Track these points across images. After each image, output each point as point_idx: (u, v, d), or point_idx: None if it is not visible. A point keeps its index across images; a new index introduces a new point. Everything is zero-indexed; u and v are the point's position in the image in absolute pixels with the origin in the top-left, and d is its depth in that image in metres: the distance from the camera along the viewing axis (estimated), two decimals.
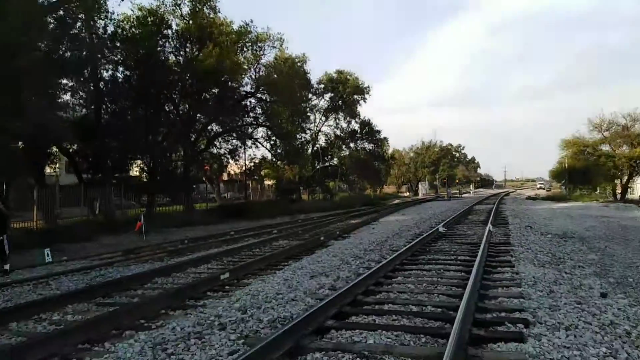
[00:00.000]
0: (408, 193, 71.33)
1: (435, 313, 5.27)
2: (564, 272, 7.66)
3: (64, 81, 19.30)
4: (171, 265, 9.47)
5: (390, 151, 58.47)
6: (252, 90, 28.56)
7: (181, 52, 25.20)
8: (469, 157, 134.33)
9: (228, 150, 31.52)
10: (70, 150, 23.77)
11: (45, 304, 6.27)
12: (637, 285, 7.00)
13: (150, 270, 8.91)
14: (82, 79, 20.63)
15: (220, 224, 21.73)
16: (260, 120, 30.64)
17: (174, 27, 24.48)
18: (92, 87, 21.80)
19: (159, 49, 23.74)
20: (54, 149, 22.91)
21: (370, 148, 47.91)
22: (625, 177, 45.44)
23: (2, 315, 5.72)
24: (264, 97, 29.09)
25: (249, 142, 32.18)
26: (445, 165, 80.00)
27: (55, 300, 6.46)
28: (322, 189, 47.53)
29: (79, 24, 18.81)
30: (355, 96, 43.99)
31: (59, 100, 18.89)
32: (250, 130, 31.90)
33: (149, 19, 23.10)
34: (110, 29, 21.55)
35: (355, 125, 46.59)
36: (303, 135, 40.32)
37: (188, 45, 25.04)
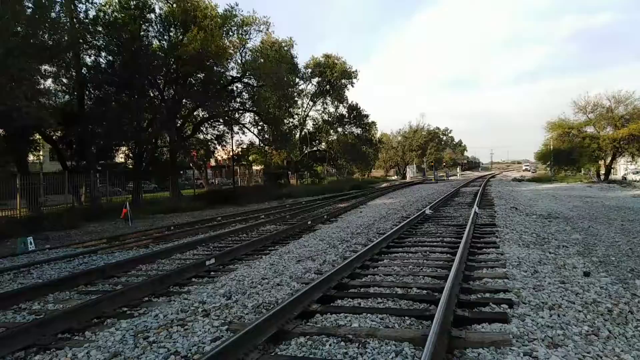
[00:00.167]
0: (396, 176, 71.61)
1: (420, 295, 5.27)
2: (548, 252, 7.73)
3: (45, 67, 18.81)
4: (156, 251, 9.35)
5: (378, 135, 58.56)
6: (239, 75, 28.18)
7: (165, 37, 24.72)
8: (456, 140, 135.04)
9: (215, 136, 31.33)
10: (54, 137, 23.37)
11: (25, 294, 6.15)
12: (619, 263, 7.09)
13: (134, 257, 8.79)
14: (63, 65, 20.16)
15: (207, 210, 21.60)
16: (247, 106, 30.31)
17: (157, 10, 24.01)
18: (74, 73, 21.34)
19: (142, 33, 23.27)
20: (37, 136, 22.52)
21: (358, 132, 47.87)
22: (609, 158, 46.04)
23: None
24: (251, 82, 28.72)
25: (236, 128, 31.95)
26: (432, 148, 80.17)
27: (35, 290, 6.34)
28: (310, 173, 47.53)
29: (58, 8, 18.28)
30: (343, 80, 43.76)
31: (40, 87, 18.41)
32: (237, 115, 31.60)
33: (132, 3, 22.58)
34: (92, 13, 21.08)
35: (343, 110, 46.49)
36: (291, 120, 40.17)
37: (172, 29, 24.55)
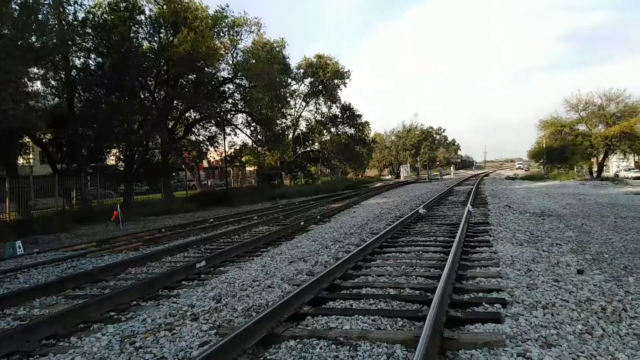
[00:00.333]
0: (390, 176, 71.69)
1: (412, 295, 5.20)
2: (541, 250, 7.69)
3: (33, 69, 18.58)
4: (146, 254, 9.23)
5: (371, 135, 58.58)
6: (230, 76, 28.07)
7: (155, 38, 24.56)
8: (450, 139, 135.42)
9: (207, 137, 31.15)
10: (44, 140, 23.13)
11: (11, 299, 6.03)
12: (612, 261, 7.06)
13: (124, 260, 8.67)
14: (52, 67, 19.94)
15: (200, 212, 21.46)
16: (240, 107, 30.19)
17: (147, 12, 23.86)
18: (63, 75, 21.13)
19: (132, 35, 23.11)
20: (26, 139, 22.28)
21: (352, 132, 47.84)
22: (601, 156, 46.33)
23: None
24: (242, 83, 28.62)
25: (228, 129, 31.79)
26: (426, 147, 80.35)
27: (21, 294, 6.21)
28: (304, 173, 47.45)
29: (46, 9, 18.06)
30: (336, 81, 43.72)
31: (28, 89, 18.18)
32: (229, 116, 31.45)
33: (121, 5, 22.41)
34: (81, 15, 20.86)
35: (336, 110, 46.44)
36: (283, 120, 40.06)
37: (162, 30, 24.40)
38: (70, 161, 23.95)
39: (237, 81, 28.56)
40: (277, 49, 31.88)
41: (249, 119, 31.90)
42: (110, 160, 29.69)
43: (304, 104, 45.29)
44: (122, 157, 26.52)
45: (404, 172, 68.51)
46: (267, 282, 6.15)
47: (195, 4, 24.25)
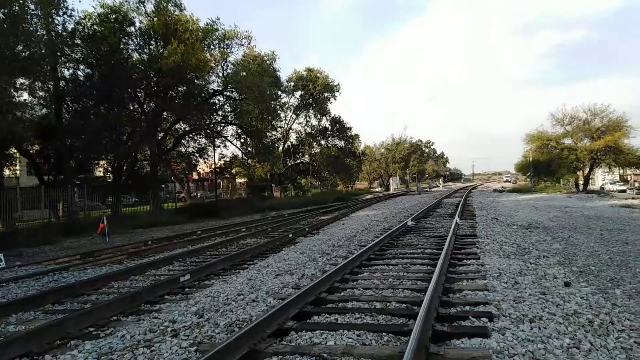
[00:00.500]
0: (380, 188, 71.86)
1: (399, 309, 5.12)
2: (528, 263, 7.68)
3: (20, 80, 18.39)
4: (130, 267, 9.05)
5: (361, 147, 58.76)
6: (220, 88, 28.09)
7: (145, 50, 24.53)
8: (439, 152, 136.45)
9: (196, 149, 30.98)
10: (31, 151, 22.83)
11: None
12: (599, 273, 7.07)
13: (107, 273, 8.47)
14: (40, 78, 19.75)
15: (188, 224, 21.25)
16: (230, 119, 30.14)
17: (137, 24, 23.85)
18: (51, 86, 20.93)
19: (121, 46, 23.06)
20: (13, 150, 21.98)
21: (342, 145, 47.98)
22: (587, 169, 46.98)
23: None
24: (233, 95, 28.64)
25: (218, 141, 31.68)
26: (415, 160, 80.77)
27: None
28: (294, 185, 47.37)
29: (35, 20, 17.93)
30: (326, 94, 43.98)
31: (15, 100, 17.96)
32: (219, 128, 31.36)
33: (111, 17, 22.37)
34: (70, 26, 20.74)
35: (325, 123, 46.60)
36: (274, 133, 40.04)
37: (152, 42, 24.39)
38: (58, 172, 23.63)
39: (227, 93, 28.57)
40: (268, 62, 32.02)
41: (239, 130, 31.83)
42: (99, 172, 29.38)
43: (294, 116, 45.44)
44: (110, 168, 26.25)
45: (394, 184, 68.68)
46: (252, 296, 6.03)
47: (186, 17, 24.31)
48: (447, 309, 5.04)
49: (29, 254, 13.04)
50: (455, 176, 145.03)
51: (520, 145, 56.69)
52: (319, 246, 10.84)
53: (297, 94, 44.18)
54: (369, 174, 76.21)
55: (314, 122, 46.35)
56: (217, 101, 29.05)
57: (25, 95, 19.94)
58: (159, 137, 26.82)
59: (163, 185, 37.70)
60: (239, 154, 34.92)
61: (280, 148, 43.60)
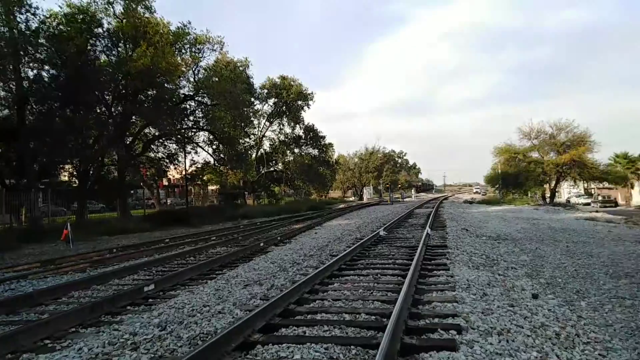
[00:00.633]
0: (353, 197, 72.18)
1: (368, 321, 5.04)
2: (497, 274, 7.75)
3: None
4: (93, 276, 8.70)
5: (335, 156, 58.95)
6: (192, 93, 27.72)
7: (113, 52, 23.99)
8: (411, 163, 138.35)
9: (167, 154, 30.39)
10: None
11: None
12: (565, 285, 7.19)
13: (67, 282, 8.11)
14: (1, 77, 19.01)
15: (157, 231, 20.75)
16: (201, 124, 29.72)
17: (106, 25, 23.33)
18: (13, 87, 20.16)
19: (89, 47, 22.45)
20: None
21: (315, 153, 48.02)
22: (553, 182, 48.58)
23: None
24: (205, 101, 28.31)
25: (189, 147, 31.17)
26: (388, 170, 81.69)
27: None
28: (267, 193, 47.03)
29: None
30: (299, 102, 44.07)
31: None
32: (190, 134, 30.88)
33: (78, 17, 21.77)
34: (34, 24, 20.03)
35: (299, 131, 46.61)
36: (247, 140, 39.75)
37: (121, 44, 23.87)
38: (20, 176, 22.74)
39: (199, 99, 28.23)
40: (241, 68, 31.87)
41: (211, 137, 31.43)
42: (64, 176, 28.45)
43: (267, 123, 45.27)
44: (75, 173, 25.44)
45: (367, 194, 69.17)
46: (218, 308, 5.85)
47: (157, 19, 23.98)
48: (416, 321, 4.99)
49: None
50: (427, 187, 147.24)
51: (490, 158, 58.24)
52: (290, 256, 10.70)
53: (271, 101, 44.12)
54: (342, 183, 76.51)
55: (288, 130, 46.36)
56: (188, 106, 28.65)
57: None
58: (128, 142, 26.19)
59: (132, 191, 36.78)
60: (211, 160, 34.47)
61: (254, 155, 43.30)
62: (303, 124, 46.03)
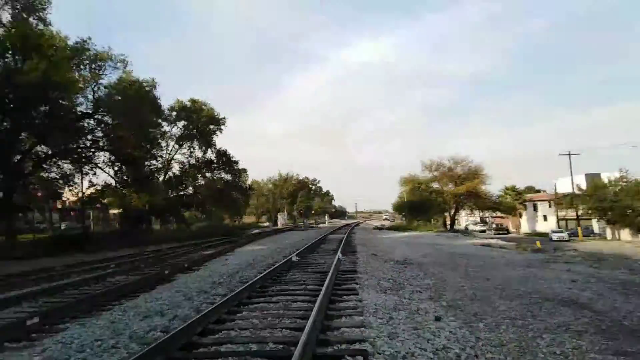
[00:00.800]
0: (268, 223, 71.62)
1: (274, 350, 4.89)
2: (403, 298, 8.01)
3: None
4: None
5: (249, 182, 58.30)
6: (91, 111, 26.02)
7: (0, 62, 21.83)
8: (324, 190, 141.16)
9: (60, 175, 27.83)
10: None
11: None
12: (465, 307, 7.61)
13: None
14: None
15: (49, 258, 18.86)
16: (102, 144, 27.87)
17: None
18: None
19: None
20: None
21: (228, 178, 47.01)
22: (453, 211, 52.60)
23: None
24: (105, 119, 26.72)
25: (87, 167, 28.94)
26: (302, 197, 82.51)
27: None
28: (177, 218, 44.89)
29: None
30: (211, 126, 43.22)
31: None
32: (89, 154, 28.73)
33: None
34: None
35: (211, 155, 45.42)
36: (153, 162, 37.78)
37: (8, 55, 21.82)
38: None
39: (99, 117, 26.58)
40: (147, 88, 30.48)
41: (112, 157, 29.50)
42: None
43: (177, 146, 43.60)
44: None
45: (282, 219, 69.04)
46: (112, 342, 5.33)
47: (51, 32, 22.47)
48: (324, 348, 4.94)
49: None
50: (340, 213, 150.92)
51: (397, 187, 61.84)
52: (198, 284, 10.20)
53: (180, 124, 42.68)
54: (257, 209, 75.73)
55: (199, 153, 44.94)
56: (86, 124, 26.80)
57: None
58: (16, 160, 23.71)
59: (20, 214, 33.07)
60: (113, 182, 32.20)
61: (162, 178, 41.29)
62: (215, 148, 45.01)
